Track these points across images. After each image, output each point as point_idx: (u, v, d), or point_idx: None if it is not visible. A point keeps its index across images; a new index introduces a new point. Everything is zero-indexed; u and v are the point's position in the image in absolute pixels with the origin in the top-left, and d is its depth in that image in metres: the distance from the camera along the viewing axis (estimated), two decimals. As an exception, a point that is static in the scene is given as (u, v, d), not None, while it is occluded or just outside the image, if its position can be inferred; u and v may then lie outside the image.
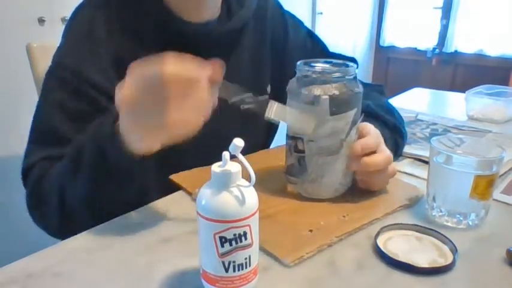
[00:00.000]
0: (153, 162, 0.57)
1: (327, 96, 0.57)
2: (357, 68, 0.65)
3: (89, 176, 0.58)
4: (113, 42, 0.71)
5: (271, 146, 0.97)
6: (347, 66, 0.61)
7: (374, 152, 0.61)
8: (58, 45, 0.74)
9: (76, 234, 0.56)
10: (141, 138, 0.52)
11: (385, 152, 0.63)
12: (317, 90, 0.58)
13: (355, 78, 0.61)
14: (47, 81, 0.72)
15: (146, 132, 0.50)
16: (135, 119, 0.50)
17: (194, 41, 0.76)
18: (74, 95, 0.69)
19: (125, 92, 0.48)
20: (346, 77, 0.59)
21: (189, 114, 0.48)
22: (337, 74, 0.58)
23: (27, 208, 0.68)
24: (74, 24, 0.73)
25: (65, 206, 0.61)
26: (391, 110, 0.78)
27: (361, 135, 0.62)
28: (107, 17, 0.72)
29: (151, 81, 0.46)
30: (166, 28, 0.74)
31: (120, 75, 0.71)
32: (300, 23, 0.94)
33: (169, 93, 0.46)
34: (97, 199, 0.59)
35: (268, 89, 0.88)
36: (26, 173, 0.69)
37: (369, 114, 0.70)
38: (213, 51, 0.78)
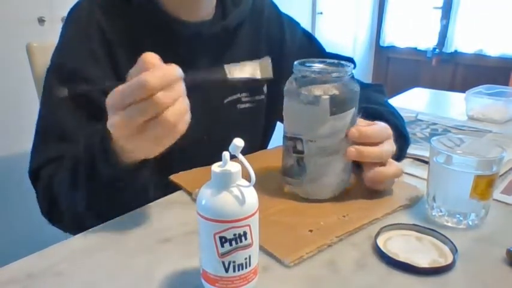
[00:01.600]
0: (152, 170, 0.57)
1: (327, 96, 0.57)
2: (355, 67, 0.65)
3: (87, 188, 0.58)
4: (109, 41, 0.71)
5: (269, 147, 0.97)
6: (342, 65, 0.61)
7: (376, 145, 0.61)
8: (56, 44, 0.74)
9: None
10: (135, 146, 0.51)
11: (384, 146, 0.62)
12: (317, 91, 0.58)
13: (352, 77, 0.61)
14: (47, 80, 0.72)
15: (139, 138, 0.48)
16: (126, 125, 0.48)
17: (189, 41, 0.76)
18: (75, 93, 0.69)
19: (112, 98, 0.47)
20: (345, 77, 0.59)
21: (180, 113, 0.48)
22: (336, 73, 0.58)
23: (41, 211, 0.69)
24: (70, 24, 0.74)
25: (73, 211, 0.61)
26: (393, 113, 0.78)
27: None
28: (102, 16, 0.72)
29: (136, 92, 0.45)
30: (161, 28, 0.74)
31: (116, 72, 0.72)
32: (296, 24, 0.94)
33: (158, 100, 0.45)
34: (100, 206, 0.59)
35: (265, 89, 0.88)
36: (35, 174, 0.69)
37: (376, 116, 0.69)
38: (208, 50, 0.79)
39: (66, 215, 0.64)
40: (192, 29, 0.76)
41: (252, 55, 0.85)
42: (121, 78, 0.72)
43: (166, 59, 0.76)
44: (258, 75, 0.61)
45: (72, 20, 0.74)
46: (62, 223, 0.67)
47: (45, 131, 0.71)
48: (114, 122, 0.47)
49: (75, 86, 0.68)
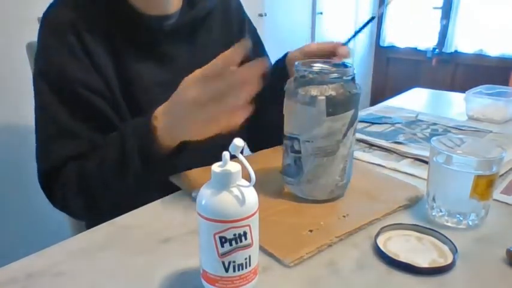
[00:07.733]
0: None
1: (323, 97, 0.57)
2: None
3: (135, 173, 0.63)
4: (84, 40, 0.72)
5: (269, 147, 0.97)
6: (345, 66, 0.61)
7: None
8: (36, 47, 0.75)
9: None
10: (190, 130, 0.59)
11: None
12: (314, 91, 0.58)
13: (353, 79, 0.60)
14: (36, 84, 0.72)
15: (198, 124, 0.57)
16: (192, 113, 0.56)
17: (159, 34, 0.78)
18: (66, 95, 0.70)
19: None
20: (344, 78, 0.59)
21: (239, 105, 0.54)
22: (334, 74, 0.58)
23: (70, 211, 0.74)
24: (46, 27, 0.74)
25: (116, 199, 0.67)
26: None
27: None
28: (74, 15, 0.72)
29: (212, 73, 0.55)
30: (130, 24, 0.75)
31: (95, 67, 0.72)
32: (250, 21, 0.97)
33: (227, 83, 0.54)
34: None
35: None
36: (49, 177, 0.69)
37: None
38: (180, 40, 0.80)
39: (107, 205, 0.67)
40: (160, 22, 0.77)
41: (226, 38, 0.87)
42: (99, 72, 0.73)
43: (140, 55, 0.77)
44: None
45: (46, 22, 0.75)
46: (99, 214, 0.66)
47: (51, 131, 0.71)
48: (193, 93, 0.56)
49: (66, 88, 0.70)
